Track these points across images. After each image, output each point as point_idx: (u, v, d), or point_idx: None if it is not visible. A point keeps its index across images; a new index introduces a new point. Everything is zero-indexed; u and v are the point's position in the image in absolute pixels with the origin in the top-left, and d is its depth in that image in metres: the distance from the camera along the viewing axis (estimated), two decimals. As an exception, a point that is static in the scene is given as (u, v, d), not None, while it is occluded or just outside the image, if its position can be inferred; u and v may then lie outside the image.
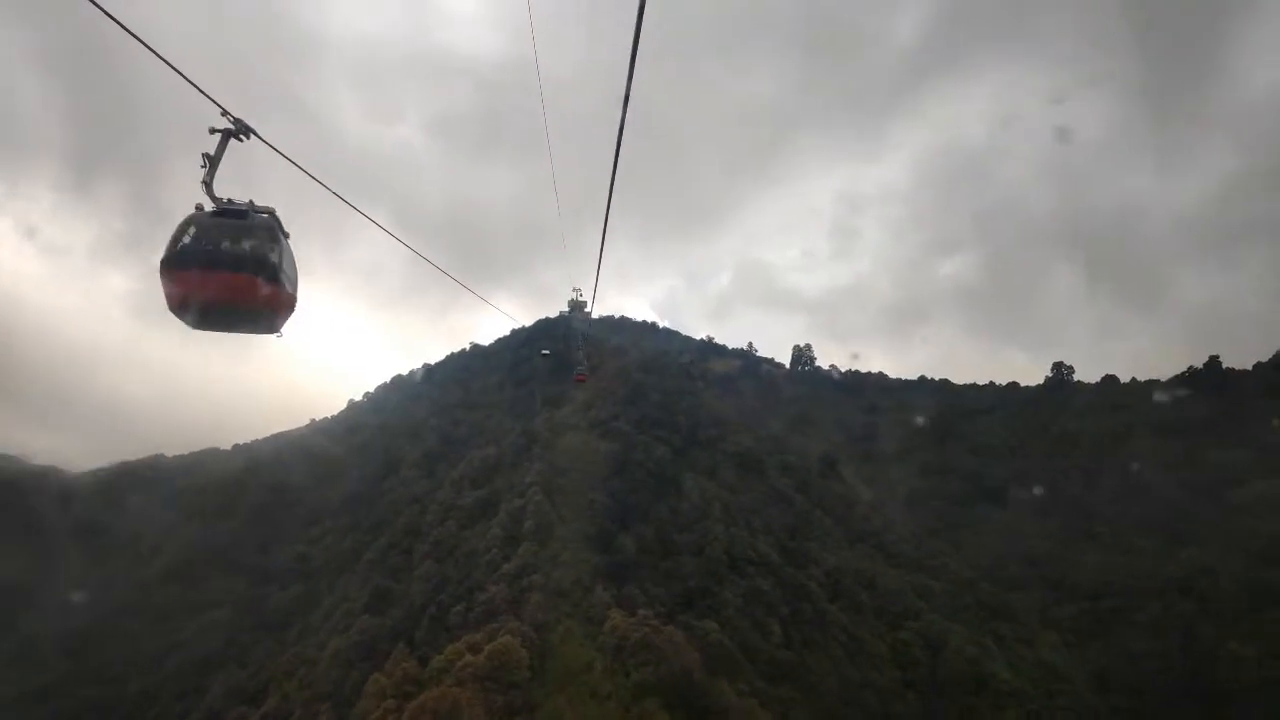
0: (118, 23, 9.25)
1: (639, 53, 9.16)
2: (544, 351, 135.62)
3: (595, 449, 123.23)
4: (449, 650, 72.74)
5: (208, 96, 10.67)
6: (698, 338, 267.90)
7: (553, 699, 65.91)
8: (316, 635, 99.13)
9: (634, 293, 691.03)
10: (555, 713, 64.16)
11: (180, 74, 10.00)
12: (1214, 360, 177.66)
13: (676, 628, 76.23)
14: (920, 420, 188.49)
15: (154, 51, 9.77)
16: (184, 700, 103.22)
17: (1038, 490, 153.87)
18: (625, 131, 11.37)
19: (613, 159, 12.29)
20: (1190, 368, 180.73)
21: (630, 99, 10.41)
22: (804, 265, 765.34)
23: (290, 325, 13.37)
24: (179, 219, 12.28)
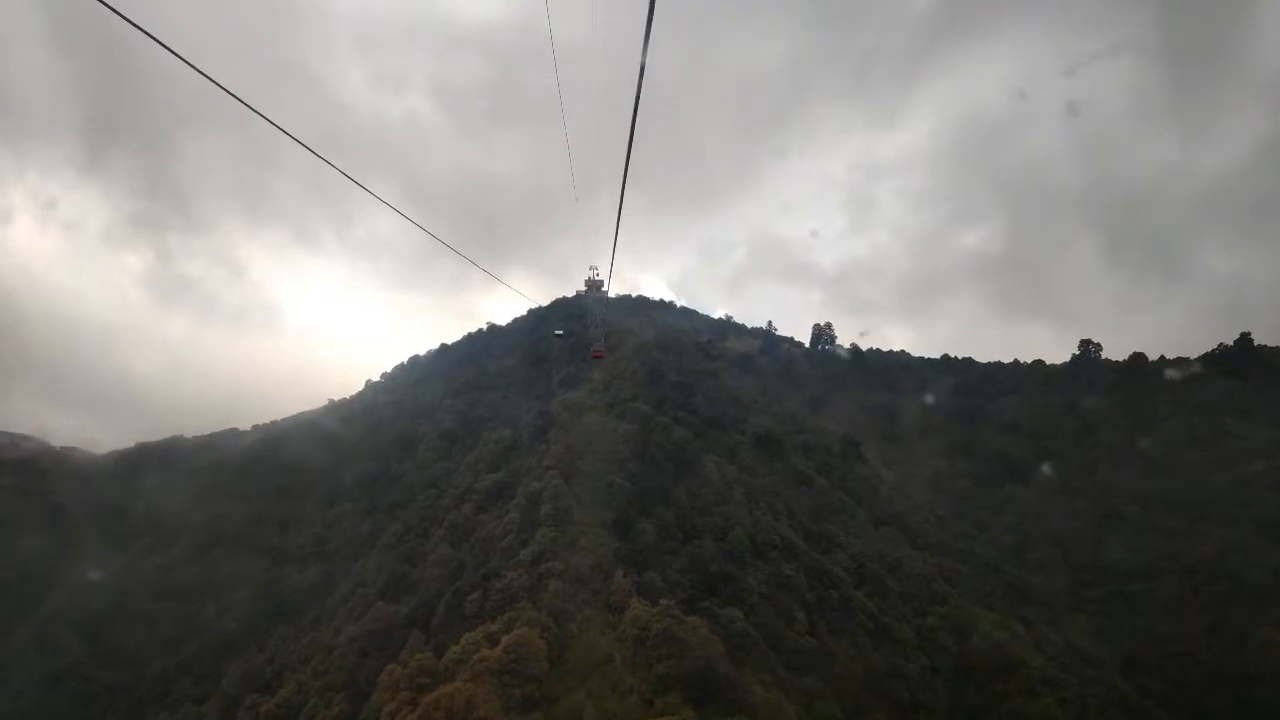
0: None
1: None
2: (558, 332, 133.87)
3: (613, 430, 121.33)
4: (465, 640, 71.29)
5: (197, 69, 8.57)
6: (715, 316, 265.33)
7: (572, 693, 64.20)
8: (333, 621, 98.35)
9: (649, 270, 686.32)
10: (574, 707, 62.41)
11: (161, 44, 8.18)
12: (1245, 337, 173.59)
13: (699, 616, 74.33)
14: (944, 400, 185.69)
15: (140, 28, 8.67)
16: (201, 685, 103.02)
17: (1064, 470, 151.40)
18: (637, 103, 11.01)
19: (628, 136, 11.78)
20: (1220, 344, 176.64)
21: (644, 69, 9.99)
22: (820, 239, 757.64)
23: None
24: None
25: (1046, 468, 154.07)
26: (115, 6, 8.54)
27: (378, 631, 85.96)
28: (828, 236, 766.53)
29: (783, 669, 74.58)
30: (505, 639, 67.43)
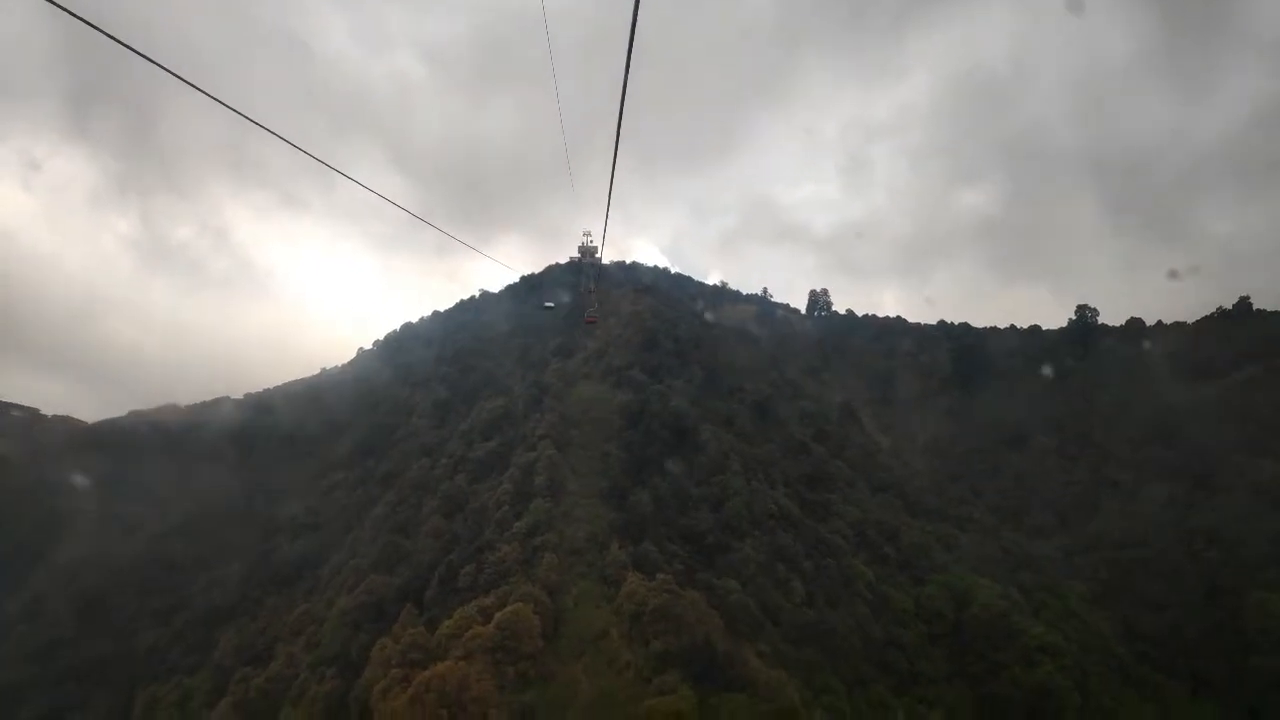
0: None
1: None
2: (547, 304, 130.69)
3: (608, 399, 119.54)
4: (458, 614, 70.11)
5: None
6: (709, 281, 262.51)
7: (568, 668, 63.25)
8: (325, 592, 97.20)
9: (640, 234, 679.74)
10: (571, 683, 61.47)
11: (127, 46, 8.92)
12: (1244, 301, 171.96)
13: (696, 589, 73.31)
14: (940, 366, 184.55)
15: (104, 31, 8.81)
16: (192, 656, 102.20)
17: (1060, 436, 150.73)
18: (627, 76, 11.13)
19: (619, 105, 11.71)
20: (1220, 308, 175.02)
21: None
22: (815, 199, 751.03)
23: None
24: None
25: (1043, 434, 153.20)
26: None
27: (370, 604, 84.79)
28: (821, 198, 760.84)
29: (781, 641, 73.74)
30: (499, 615, 66.22)
